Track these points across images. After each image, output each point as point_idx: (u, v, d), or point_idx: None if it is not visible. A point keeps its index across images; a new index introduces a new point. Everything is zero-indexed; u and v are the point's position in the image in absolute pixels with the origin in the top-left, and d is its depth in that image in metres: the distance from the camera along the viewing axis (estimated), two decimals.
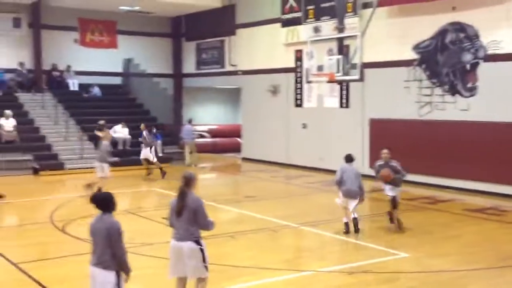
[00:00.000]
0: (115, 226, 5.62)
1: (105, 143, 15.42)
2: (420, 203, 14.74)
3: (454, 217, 13.03)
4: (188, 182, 6.84)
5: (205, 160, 24.66)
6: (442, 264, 9.20)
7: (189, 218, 6.66)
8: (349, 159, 11.54)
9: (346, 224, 11.25)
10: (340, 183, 11.26)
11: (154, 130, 22.39)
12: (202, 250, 6.72)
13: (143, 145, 19.28)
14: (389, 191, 11.61)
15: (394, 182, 11.46)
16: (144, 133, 19.19)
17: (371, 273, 8.67)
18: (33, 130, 21.76)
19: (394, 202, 11.55)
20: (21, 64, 24.07)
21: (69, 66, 25.17)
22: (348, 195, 11.22)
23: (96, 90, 25.19)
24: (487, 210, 13.82)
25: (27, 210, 14.14)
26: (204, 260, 6.72)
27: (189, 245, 6.65)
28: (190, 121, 23.16)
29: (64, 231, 11.45)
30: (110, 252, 5.57)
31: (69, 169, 19.92)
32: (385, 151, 11.43)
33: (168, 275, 6.93)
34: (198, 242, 6.70)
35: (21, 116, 21.94)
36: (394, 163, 11.40)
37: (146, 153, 19.03)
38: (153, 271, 8.68)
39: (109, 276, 5.59)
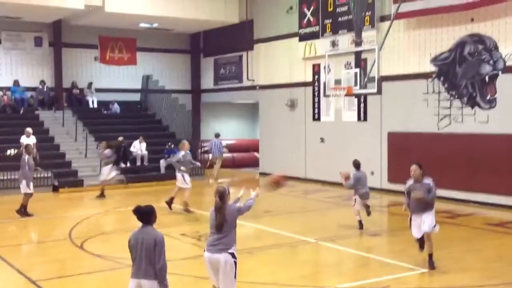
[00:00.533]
0: (160, 238, 5.87)
1: (184, 154, 15.48)
2: (439, 217, 14.39)
3: (474, 232, 12.84)
4: (222, 196, 7.00)
5: (223, 175, 24.67)
6: (462, 279, 9.06)
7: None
8: (358, 165, 12.80)
9: (360, 221, 12.71)
10: (355, 188, 12.58)
11: (172, 146, 22.58)
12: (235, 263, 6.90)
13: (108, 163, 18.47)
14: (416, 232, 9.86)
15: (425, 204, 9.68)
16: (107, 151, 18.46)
17: None
18: (53, 147, 21.98)
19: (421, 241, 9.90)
20: (42, 82, 24.42)
21: (90, 83, 25.47)
22: (365, 197, 12.72)
23: (115, 107, 25.41)
24: (508, 224, 13.61)
25: (46, 227, 14.24)
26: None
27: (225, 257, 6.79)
28: (217, 136, 23.14)
29: (83, 248, 11.51)
30: (155, 263, 5.76)
31: (88, 185, 20.05)
32: (413, 167, 9.87)
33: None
34: (233, 255, 6.92)
35: (42, 133, 22.16)
36: (427, 181, 9.73)
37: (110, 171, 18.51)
38: None
39: (155, 285, 5.80)
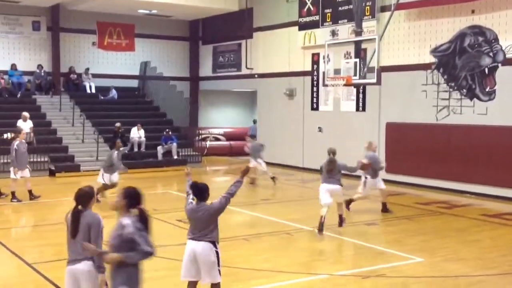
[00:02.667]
0: (212, 209, 6.91)
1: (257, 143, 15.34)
2: (436, 207, 14.59)
3: (471, 222, 12.87)
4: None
5: (220, 163, 24.69)
6: (459, 269, 9.08)
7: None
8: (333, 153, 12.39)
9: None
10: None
11: (170, 132, 22.57)
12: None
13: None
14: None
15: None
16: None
17: (386, 277, 8.59)
18: (50, 132, 21.92)
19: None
20: (40, 66, 24.32)
21: (87, 69, 25.38)
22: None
23: (113, 93, 25.32)
24: (504, 215, 13.64)
25: (43, 211, 14.22)
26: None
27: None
28: (255, 122, 22.85)
29: None
30: (210, 228, 6.72)
31: (84, 171, 20.03)
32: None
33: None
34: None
35: (39, 118, 22.10)
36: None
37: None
38: (165, 273, 8.67)
39: (211, 245, 6.62)
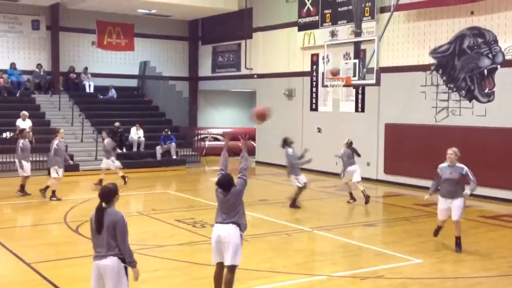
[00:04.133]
0: (236, 192, 7.26)
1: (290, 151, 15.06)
2: (435, 209, 14.48)
3: (469, 224, 12.87)
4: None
5: (219, 163, 24.66)
6: (457, 270, 9.10)
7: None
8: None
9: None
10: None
11: (169, 132, 22.58)
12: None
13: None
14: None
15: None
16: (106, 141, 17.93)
17: (384, 279, 8.59)
18: (49, 131, 21.85)
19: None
20: (39, 65, 24.31)
21: (86, 68, 25.38)
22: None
23: (112, 92, 25.31)
24: (503, 217, 13.66)
25: (41, 210, 14.22)
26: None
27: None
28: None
29: (78, 232, 11.50)
30: (236, 212, 7.09)
31: (83, 170, 20.01)
32: (450, 151, 10.28)
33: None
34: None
35: (38, 117, 22.10)
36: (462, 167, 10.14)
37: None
38: (164, 273, 8.68)
39: (237, 228, 7.03)
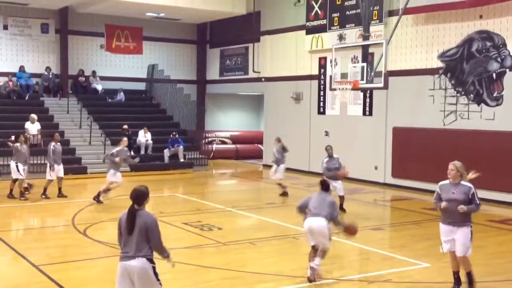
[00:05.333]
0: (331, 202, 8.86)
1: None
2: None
3: (477, 228, 12.71)
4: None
5: (227, 167, 24.72)
6: (464, 275, 9.03)
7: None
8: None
9: None
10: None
11: (177, 135, 22.62)
12: None
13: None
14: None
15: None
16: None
17: (392, 283, 8.57)
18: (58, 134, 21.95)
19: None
20: (48, 68, 24.43)
21: (94, 72, 25.49)
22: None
23: (121, 95, 25.38)
24: (511, 221, 13.58)
25: (50, 213, 14.28)
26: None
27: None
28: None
29: (86, 234, 11.53)
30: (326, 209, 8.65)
31: (91, 173, 20.07)
32: (451, 166, 8.35)
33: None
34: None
35: (46, 120, 22.19)
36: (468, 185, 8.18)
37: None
38: (171, 276, 8.67)
39: (326, 221, 8.56)
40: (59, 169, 15.92)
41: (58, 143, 16.13)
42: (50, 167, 15.75)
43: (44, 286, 8.35)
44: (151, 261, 5.88)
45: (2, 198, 15.38)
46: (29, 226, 13.36)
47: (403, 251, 10.45)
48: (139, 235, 5.81)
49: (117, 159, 15.19)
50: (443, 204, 8.16)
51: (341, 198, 14.19)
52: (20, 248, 10.33)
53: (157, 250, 5.97)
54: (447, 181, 8.29)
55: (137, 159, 17.87)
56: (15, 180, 15.59)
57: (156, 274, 5.93)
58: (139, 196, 5.94)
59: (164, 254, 6.05)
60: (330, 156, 14.47)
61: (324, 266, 9.92)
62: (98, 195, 15.14)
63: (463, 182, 8.17)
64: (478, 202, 8.06)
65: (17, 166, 15.42)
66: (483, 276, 9.05)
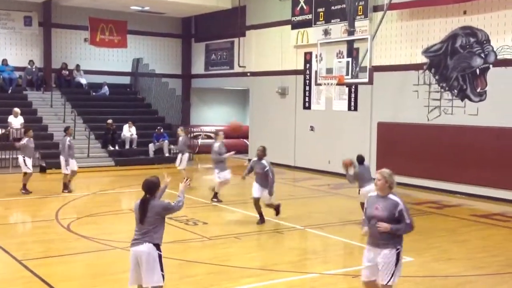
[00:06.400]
0: None
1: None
2: (426, 207, 14.65)
3: (461, 222, 12.94)
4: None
5: (211, 161, 24.65)
6: (448, 269, 9.12)
7: None
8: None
9: None
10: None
11: (162, 130, 22.54)
12: None
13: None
14: None
15: None
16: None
17: None
18: (41, 128, 21.81)
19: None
20: (31, 62, 24.20)
21: (78, 66, 25.30)
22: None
23: (105, 89, 25.21)
24: (494, 216, 13.71)
25: (33, 207, 14.17)
26: None
27: None
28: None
29: (69, 229, 11.46)
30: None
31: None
32: (378, 175, 6.49)
33: None
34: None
35: (30, 114, 22.00)
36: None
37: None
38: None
39: None
40: (74, 163, 16.02)
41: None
42: (65, 161, 15.67)
43: (27, 281, 8.29)
44: (158, 248, 6.27)
45: None
46: (13, 221, 13.25)
47: None
48: (150, 222, 6.26)
49: (227, 155, 15.16)
50: (364, 230, 6.70)
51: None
52: (3, 243, 10.22)
53: (174, 209, 6.53)
54: (375, 193, 6.58)
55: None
56: (25, 174, 15.61)
57: (161, 263, 6.28)
58: (151, 187, 6.38)
59: (180, 201, 6.56)
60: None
61: (308, 261, 9.99)
62: (215, 195, 14.74)
63: (391, 196, 6.41)
64: (408, 221, 6.35)
65: (24, 161, 15.50)
66: (466, 270, 9.14)
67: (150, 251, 6.24)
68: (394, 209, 6.34)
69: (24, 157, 15.57)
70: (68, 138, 15.88)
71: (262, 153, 12.29)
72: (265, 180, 12.11)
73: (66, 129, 16.49)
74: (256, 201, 12.22)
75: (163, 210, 6.38)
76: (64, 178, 15.77)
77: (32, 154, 16.00)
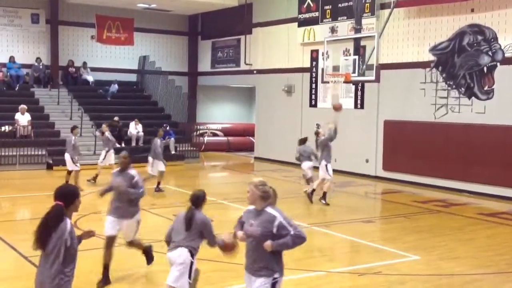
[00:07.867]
0: None
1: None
2: (433, 206, 14.62)
3: (468, 221, 12.89)
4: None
5: (218, 159, 24.70)
6: (454, 267, 9.10)
7: None
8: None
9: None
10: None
11: (168, 127, 22.55)
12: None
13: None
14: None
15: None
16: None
17: (382, 275, 8.60)
18: (48, 125, 21.88)
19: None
20: (38, 59, 24.28)
21: (85, 63, 25.35)
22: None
23: (114, 88, 25.20)
24: (501, 214, 13.67)
25: (40, 204, 14.15)
26: None
27: None
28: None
29: (76, 226, 11.48)
30: None
31: (82, 164, 19.94)
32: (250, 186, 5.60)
33: None
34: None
35: (37, 111, 22.07)
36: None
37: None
38: (162, 268, 8.65)
39: None
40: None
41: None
42: (71, 158, 15.96)
43: (33, 277, 8.30)
44: (191, 254, 6.54)
45: None
46: (19, 218, 13.31)
47: (393, 244, 10.49)
48: (191, 231, 6.61)
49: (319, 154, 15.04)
50: (239, 234, 5.70)
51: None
52: (10, 239, 10.28)
53: (210, 244, 6.71)
54: (251, 207, 5.58)
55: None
56: (70, 172, 15.85)
57: (191, 269, 6.50)
58: (197, 200, 6.77)
59: (215, 244, 6.68)
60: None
61: (315, 259, 9.98)
62: (324, 196, 14.43)
63: (269, 209, 5.44)
64: (294, 231, 5.34)
65: (72, 159, 15.75)
66: (472, 268, 9.12)
67: (183, 254, 6.45)
68: (270, 225, 5.25)
69: (71, 155, 15.76)
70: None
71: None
72: None
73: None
74: None
75: (205, 229, 6.67)
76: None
77: (78, 152, 16.27)
